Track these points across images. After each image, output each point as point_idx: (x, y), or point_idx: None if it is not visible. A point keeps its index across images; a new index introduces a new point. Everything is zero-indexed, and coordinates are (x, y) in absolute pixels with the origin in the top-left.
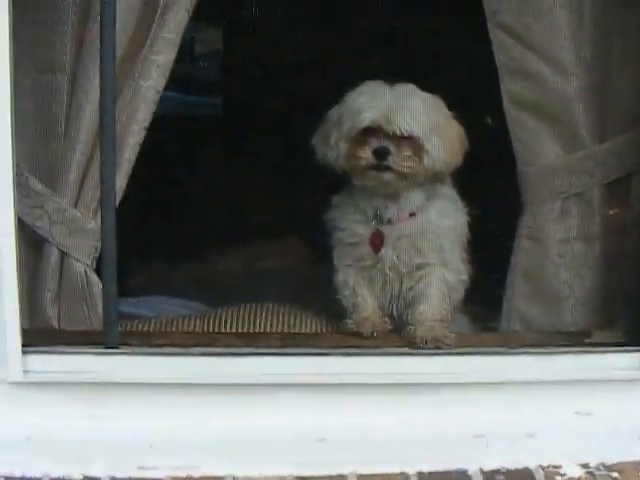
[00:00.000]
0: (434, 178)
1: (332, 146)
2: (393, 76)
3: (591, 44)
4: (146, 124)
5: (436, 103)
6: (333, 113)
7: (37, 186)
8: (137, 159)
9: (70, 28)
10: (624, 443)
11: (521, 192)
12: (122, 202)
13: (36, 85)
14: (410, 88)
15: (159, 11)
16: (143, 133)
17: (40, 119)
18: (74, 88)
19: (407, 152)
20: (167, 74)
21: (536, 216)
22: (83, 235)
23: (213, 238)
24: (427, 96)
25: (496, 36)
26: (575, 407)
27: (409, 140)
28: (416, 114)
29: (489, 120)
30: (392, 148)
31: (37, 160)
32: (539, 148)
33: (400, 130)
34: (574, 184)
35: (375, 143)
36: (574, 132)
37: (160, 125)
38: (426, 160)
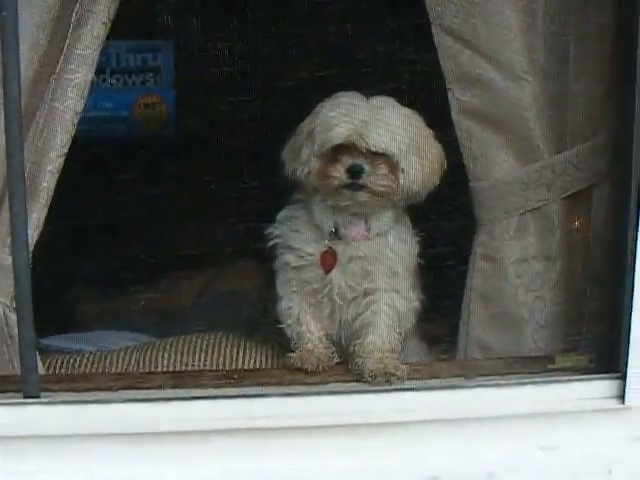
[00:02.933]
0: (409, 199)
1: (303, 162)
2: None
3: (545, 47)
4: (65, 150)
5: (415, 119)
6: (304, 126)
7: None
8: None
9: None
10: (593, 478)
11: (474, 209)
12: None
13: None
14: (388, 102)
15: (72, 26)
16: (62, 159)
17: None
18: None
19: (383, 170)
20: (85, 94)
21: (491, 234)
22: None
23: (159, 266)
24: (406, 111)
25: (441, 41)
26: (539, 442)
27: (385, 157)
28: (392, 130)
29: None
30: (367, 166)
31: None
32: (491, 161)
33: (375, 147)
34: (531, 199)
35: (348, 161)
36: (529, 142)
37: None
38: (402, 179)
